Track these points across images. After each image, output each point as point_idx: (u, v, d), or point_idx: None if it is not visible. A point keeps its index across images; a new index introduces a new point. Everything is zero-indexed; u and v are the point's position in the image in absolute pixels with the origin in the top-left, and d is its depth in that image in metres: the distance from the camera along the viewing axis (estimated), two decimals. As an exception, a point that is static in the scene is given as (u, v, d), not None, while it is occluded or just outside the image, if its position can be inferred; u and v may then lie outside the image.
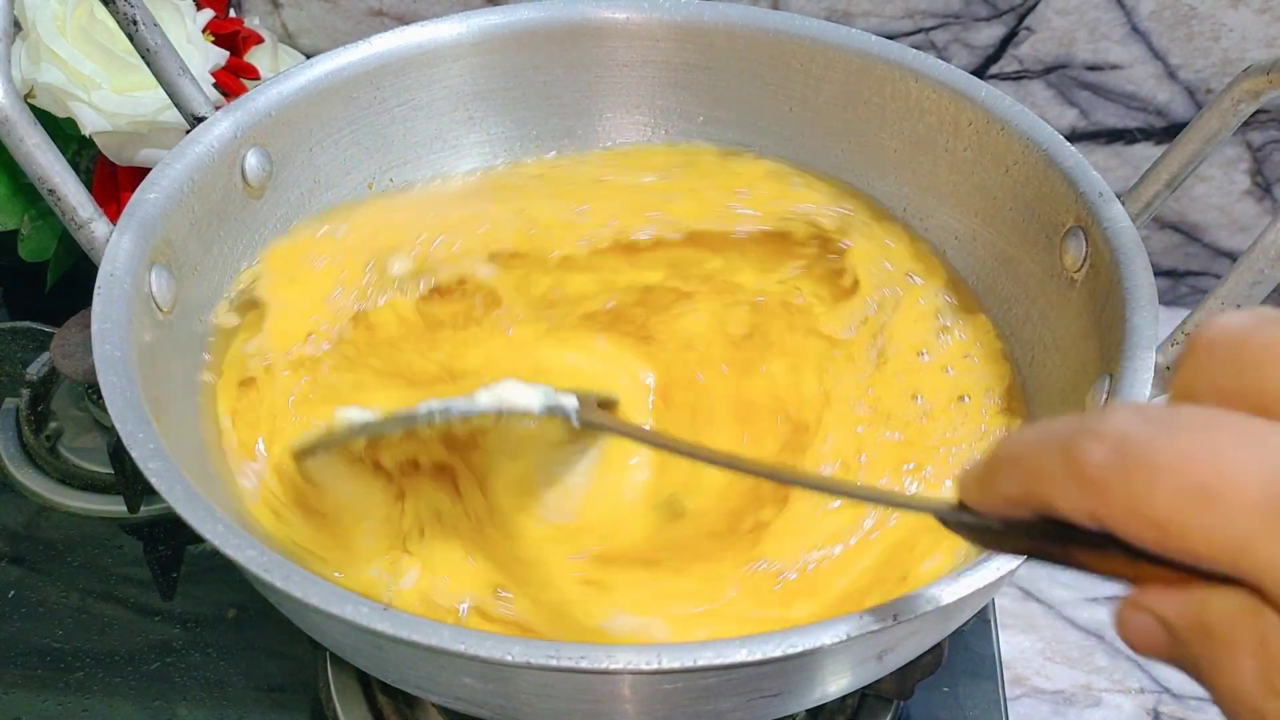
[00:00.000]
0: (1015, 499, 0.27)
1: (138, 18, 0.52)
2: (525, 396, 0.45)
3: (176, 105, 0.54)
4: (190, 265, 0.51)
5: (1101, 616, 0.59)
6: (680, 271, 0.58)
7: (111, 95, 0.63)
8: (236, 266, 0.55)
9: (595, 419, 0.45)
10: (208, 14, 0.68)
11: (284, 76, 0.56)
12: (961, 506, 0.29)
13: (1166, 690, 0.57)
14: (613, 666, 0.35)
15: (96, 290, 0.46)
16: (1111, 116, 0.70)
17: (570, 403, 0.45)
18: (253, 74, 0.69)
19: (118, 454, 0.61)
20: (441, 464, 0.49)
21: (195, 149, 0.52)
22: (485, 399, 0.45)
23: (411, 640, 0.36)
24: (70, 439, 0.66)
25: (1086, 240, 0.50)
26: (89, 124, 0.63)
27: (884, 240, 0.59)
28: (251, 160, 0.55)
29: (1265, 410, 0.24)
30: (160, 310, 0.49)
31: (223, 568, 0.43)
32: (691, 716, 0.40)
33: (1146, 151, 0.71)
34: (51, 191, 0.47)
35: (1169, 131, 0.70)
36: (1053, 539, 0.26)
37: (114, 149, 0.65)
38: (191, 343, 0.51)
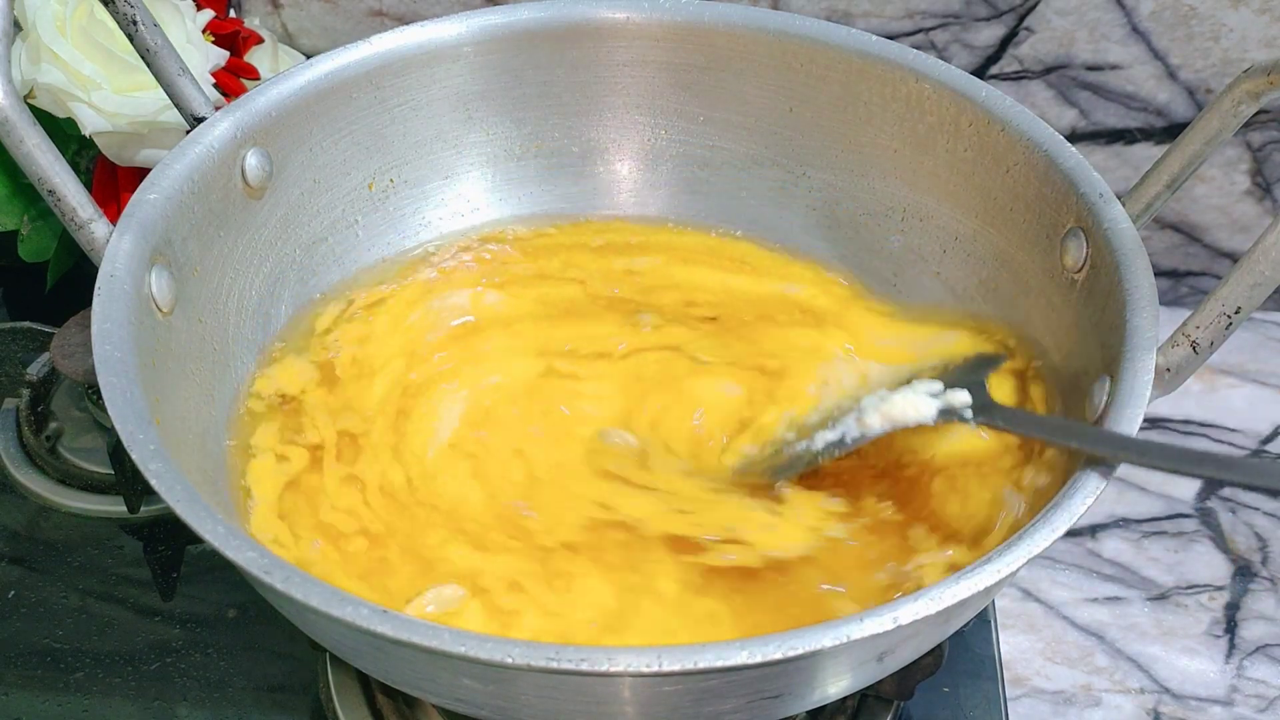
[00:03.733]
0: None
1: (138, 18, 0.52)
2: (918, 408, 0.45)
3: (176, 105, 0.54)
4: (190, 265, 0.51)
5: (1102, 616, 0.60)
6: None
7: (112, 95, 0.63)
8: (237, 270, 0.55)
9: (996, 419, 0.44)
10: (208, 14, 0.68)
11: (284, 76, 0.56)
12: None
13: (1166, 690, 0.57)
14: (613, 669, 0.35)
15: (96, 290, 0.46)
16: (1111, 116, 0.70)
17: (963, 400, 0.44)
18: (253, 74, 0.69)
19: (118, 454, 0.61)
20: None
21: (195, 149, 0.52)
22: (876, 421, 0.45)
23: (411, 642, 0.36)
24: (70, 439, 0.66)
25: (1087, 241, 0.50)
26: (89, 124, 0.63)
27: None
28: (251, 160, 0.55)
29: None
30: (160, 310, 0.49)
31: (223, 568, 0.43)
32: (692, 718, 0.40)
33: (1146, 152, 0.71)
34: (51, 192, 0.47)
35: (1169, 132, 0.70)
36: None
37: (114, 149, 0.65)
38: (191, 343, 0.51)
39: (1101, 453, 0.41)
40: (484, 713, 0.42)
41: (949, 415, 0.45)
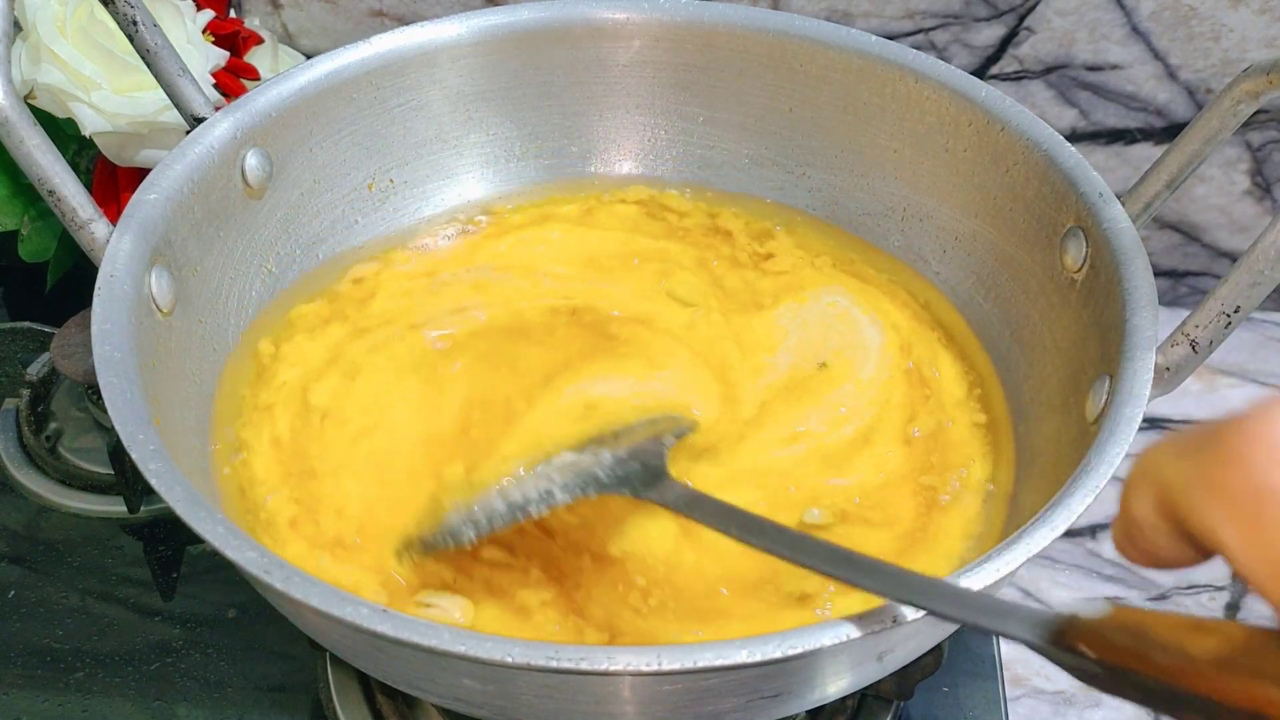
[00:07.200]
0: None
1: (138, 18, 0.52)
2: (579, 480, 0.43)
3: (176, 106, 0.54)
4: (190, 266, 0.51)
5: (1101, 617, 0.59)
6: None
7: (112, 96, 0.63)
8: (237, 270, 0.55)
9: (665, 497, 0.42)
10: (208, 14, 0.68)
11: (284, 77, 0.56)
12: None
13: (1166, 690, 0.57)
14: (613, 668, 0.35)
15: (96, 291, 0.46)
16: (1111, 116, 0.70)
17: (632, 471, 0.43)
18: (253, 74, 0.69)
19: (118, 454, 0.61)
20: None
21: (195, 149, 0.52)
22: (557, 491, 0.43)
23: (411, 641, 0.36)
24: (70, 439, 0.66)
25: (1086, 241, 0.50)
26: (89, 124, 0.63)
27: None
28: (251, 161, 0.55)
29: None
30: (160, 310, 0.49)
31: (223, 568, 0.43)
32: (692, 717, 0.40)
33: (1146, 151, 0.71)
34: (51, 193, 0.47)
35: (1169, 131, 0.70)
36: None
37: (114, 149, 0.65)
38: (192, 343, 0.51)
39: (762, 547, 0.39)
40: (484, 713, 0.42)
41: (616, 488, 0.43)
